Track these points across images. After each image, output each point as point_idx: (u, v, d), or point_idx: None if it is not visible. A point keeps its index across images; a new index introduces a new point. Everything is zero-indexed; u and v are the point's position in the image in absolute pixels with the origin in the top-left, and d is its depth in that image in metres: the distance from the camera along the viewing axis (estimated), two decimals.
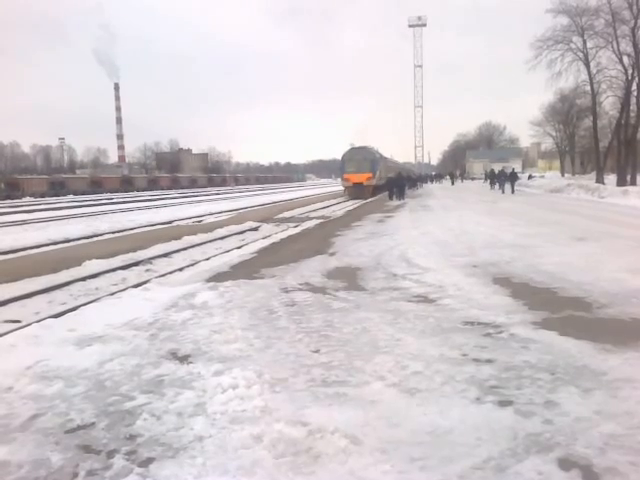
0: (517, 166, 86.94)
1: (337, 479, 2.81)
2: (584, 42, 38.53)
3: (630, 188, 28.33)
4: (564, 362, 4.28)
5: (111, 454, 3.26)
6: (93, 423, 3.72)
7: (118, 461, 3.17)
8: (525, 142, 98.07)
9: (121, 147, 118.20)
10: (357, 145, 44.43)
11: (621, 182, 37.29)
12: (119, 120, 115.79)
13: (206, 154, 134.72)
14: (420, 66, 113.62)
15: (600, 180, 39.81)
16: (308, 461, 3.01)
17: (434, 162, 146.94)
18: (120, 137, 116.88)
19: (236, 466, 3.01)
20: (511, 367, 4.26)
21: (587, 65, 39.08)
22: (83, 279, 10.92)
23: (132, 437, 3.48)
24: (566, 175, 61.61)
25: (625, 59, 37.00)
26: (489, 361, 4.42)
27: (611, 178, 41.83)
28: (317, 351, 4.94)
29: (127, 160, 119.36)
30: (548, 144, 75.18)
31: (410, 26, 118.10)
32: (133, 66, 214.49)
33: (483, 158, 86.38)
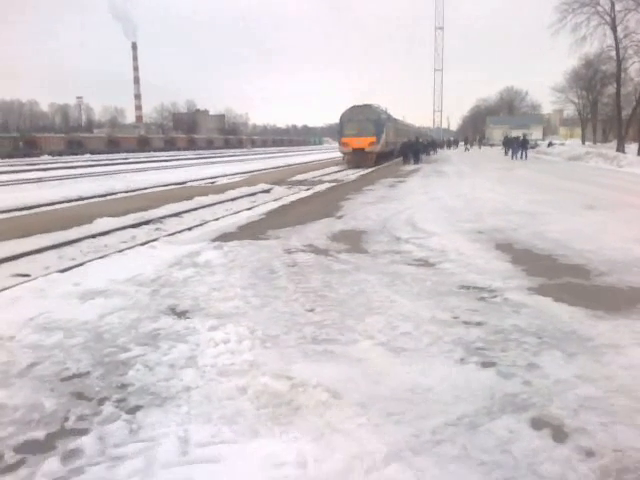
0: (538, 133, 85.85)
1: (314, 430, 2.90)
2: (612, 4, 37.27)
3: None
4: (553, 327, 4.32)
5: (102, 401, 3.39)
6: (88, 372, 3.85)
7: (107, 408, 3.30)
8: (547, 109, 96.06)
9: (138, 107, 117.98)
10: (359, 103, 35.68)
11: None
12: (137, 80, 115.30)
13: (223, 115, 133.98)
14: (441, 28, 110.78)
15: (621, 149, 39.04)
16: (288, 413, 3.11)
17: (454, 127, 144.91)
18: (138, 97, 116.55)
19: (219, 415, 3.12)
20: (500, 330, 4.30)
21: (614, 29, 37.85)
22: (93, 236, 11.08)
23: (123, 386, 3.60)
24: (587, 143, 60.38)
25: None
26: (479, 324, 4.47)
27: (633, 147, 40.97)
28: (312, 310, 5.02)
29: (144, 120, 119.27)
30: (570, 111, 73.35)
31: None
32: (150, 26, 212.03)
33: (503, 124, 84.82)
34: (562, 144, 60.51)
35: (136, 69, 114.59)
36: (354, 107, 34.50)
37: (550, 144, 59.21)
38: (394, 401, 3.19)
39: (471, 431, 2.84)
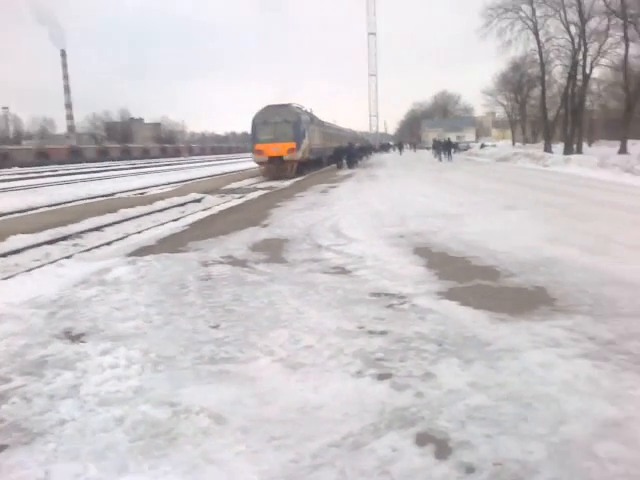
0: (471, 135, 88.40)
1: (187, 462, 2.70)
2: (533, 10, 38.81)
3: (573, 157, 28.86)
4: (454, 332, 4.27)
5: None
6: None
7: None
8: (480, 111, 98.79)
9: (70, 117, 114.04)
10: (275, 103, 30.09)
11: (568, 151, 38.05)
12: (67, 89, 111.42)
13: (159, 124, 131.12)
14: (374, 34, 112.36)
15: (548, 149, 40.57)
16: (164, 444, 2.89)
17: (391, 131, 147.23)
18: (69, 106, 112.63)
19: (88, 450, 2.87)
20: (402, 339, 4.22)
21: (536, 34, 39.46)
22: (4, 255, 10.46)
23: None
24: (517, 144, 62.50)
25: (572, 28, 37.49)
26: (382, 333, 4.38)
27: (559, 147, 42.66)
28: (216, 327, 4.82)
29: (76, 130, 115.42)
30: (501, 113, 75.97)
31: None
32: (79, 33, 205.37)
33: (438, 127, 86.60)
34: (494, 145, 62.39)
35: (66, 77, 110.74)
36: (269, 107, 29.22)
37: (482, 146, 60.95)
38: (280, 423, 3.03)
39: (353, 452, 2.71)
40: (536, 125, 64.04)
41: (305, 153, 29.29)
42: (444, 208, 11.89)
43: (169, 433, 2.99)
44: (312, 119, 33.07)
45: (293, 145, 27.87)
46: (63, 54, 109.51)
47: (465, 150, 57.39)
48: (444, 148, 39.30)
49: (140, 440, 2.94)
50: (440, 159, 38.94)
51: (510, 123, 70.06)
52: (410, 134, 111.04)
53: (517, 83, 57.57)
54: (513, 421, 2.90)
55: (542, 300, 5.02)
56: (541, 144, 48.65)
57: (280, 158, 27.67)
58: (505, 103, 65.60)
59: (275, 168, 27.85)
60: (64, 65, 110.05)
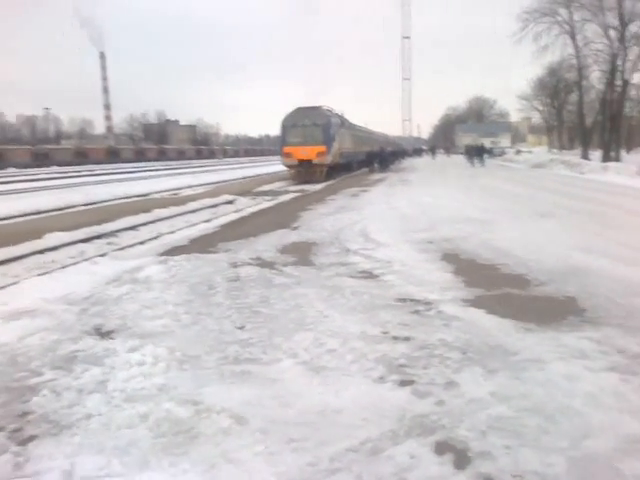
0: (506, 141, 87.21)
1: (206, 461, 2.75)
2: (570, 14, 37.94)
3: (610, 164, 28.24)
4: (479, 341, 4.23)
5: None
6: None
7: None
8: (516, 117, 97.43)
9: (108, 117, 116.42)
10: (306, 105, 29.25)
11: (606, 158, 37.18)
12: (106, 90, 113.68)
13: (194, 126, 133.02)
14: (408, 37, 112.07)
15: (585, 156, 39.73)
16: (185, 441, 2.95)
17: (425, 135, 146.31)
18: (107, 107, 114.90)
19: (113, 445, 2.95)
20: (425, 345, 4.20)
21: (573, 38, 38.57)
22: (41, 252, 10.74)
23: (24, 414, 3.41)
24: (553, 150, 61.40)
25: (611, 32, 36.53)
26: (406, 339, 4.37)
27: (597, 154, 41.75)
28: (242, 327, 4.87)
29: (114, 131, 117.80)
30: (537, 119, 74.76)
31: None
32: (118, 35, 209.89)
33: (472, 132, 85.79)
34: (529, 151, 61.38)
35: (105, 79, 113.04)
36: (299, 109, 28.68)
37: (518, 151, 60.10)
38: (299, 426, 3.05)
39: (371, 457, 2.72)
40: (573, 131, 62.84)
41: (335, 157, 28.54)
42: (475, 214, 11.77)
43: (190, 431, 3.05)
44: (343, 122, 32.42)
45: (323, 148, 27.04)
46: (102, 56, 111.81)
47: (499, 156, 56.67)
48: (477, 153, 38.91)
49: (162, 437, 3.01)
50: (472, 164, 38.55)
51: (546, 129, 68.91)
52: (444, 139, 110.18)
53: (553, 88, 56.59)
54: (535, 433, 2.87)
55: (571, 310, 4.94)
56: (578, 151, 47.68)
57: (309, 162, 26.98)
58: (541, 108, 64.61)
59: (304, 172, 27.28)
60: (103, 67, 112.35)
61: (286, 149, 27.68)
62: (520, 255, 7.35)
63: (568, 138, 66.07)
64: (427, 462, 2.66)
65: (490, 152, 43.88)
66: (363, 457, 2.72)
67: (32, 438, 3.10)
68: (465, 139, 75.10)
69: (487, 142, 60.58)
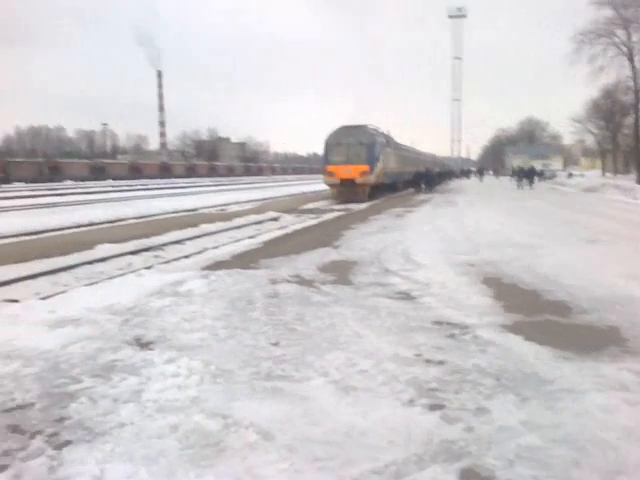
0: (558, 163, 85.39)
1: (232, 474, 2.79)
2: (629, 35, 37.15)
3: None
4: (514, 368, 4.15)
5: (33, 435, 3.32)
6: (32, 404, 3.79)
7: (36, 443, 3.22)
8: (569, 139, 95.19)
9: (163, 134, 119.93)
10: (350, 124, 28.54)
11: None
12: (161, 107, 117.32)
13: (244, 143, 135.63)
14: (459, 58, 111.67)
15: None
16: (212, 454, 2.99)
17: (474, 157, 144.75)
18: (162, 124, 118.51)
19: (142, 454, 3.02)
20: (459, 370, 4.15)
21: (631, 60, 37.73)
22: (90, 262, 11.13)
23: (61, 420, 3.53)
24: (607, 174, 59.68)
25: None
26: (440, 363, 4.32)
27: None
28: (276, 344, 4.92)
29: (168, 147, 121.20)
30: (591, 142, 72.82)
31: (450, 17, 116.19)
32: (173, 55, 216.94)
33: (523, 154, 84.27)
34: (582, 175, 59.92)
35: (161, 97, 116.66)
36: (343, 128, 28.11)
37: (570, 175, 58.70)
38: (325, 445, 3.06)
39: None
40: (629, 155, 60.94)
41: (379, 177, 27.97)
42: (520, 238, 11.56)
43: (218, 444, 3.10)
44: (388, 141, 31.76)
45: (366, 168, 26.55)
46: (159, 75, 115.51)
47: (550, 178, 55.48)
48: (525, 175, 38.22)
49: (190, 449, 3.06)
50: (520, 186, 37.87)
51: (600, 152, 67.06)
52: (494, 160, 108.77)
53: (608, 111, 55.13)
54: (564, 464, 2.79)
55: (613, 340, 4.78)
56: (633, 175, 46.19)
57: (352, 181, 26.48)
58: (595, 131, 62.86)
59: (346, 191, 26.77)
60: (159, 85, 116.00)
61: (329, 168, 27.24)
62: (564, 281, 7.17)
63: (623, 162, 64.16)
64: None
65: (540, 174, 42.99)
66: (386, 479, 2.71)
67: (67, 443, 3.21)
68: (515, 161, 73.88)
69: (538, 164, 59.35)
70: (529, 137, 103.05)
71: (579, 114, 62.41)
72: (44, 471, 2.93)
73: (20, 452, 3.12)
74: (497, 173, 79.40)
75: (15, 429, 3.42)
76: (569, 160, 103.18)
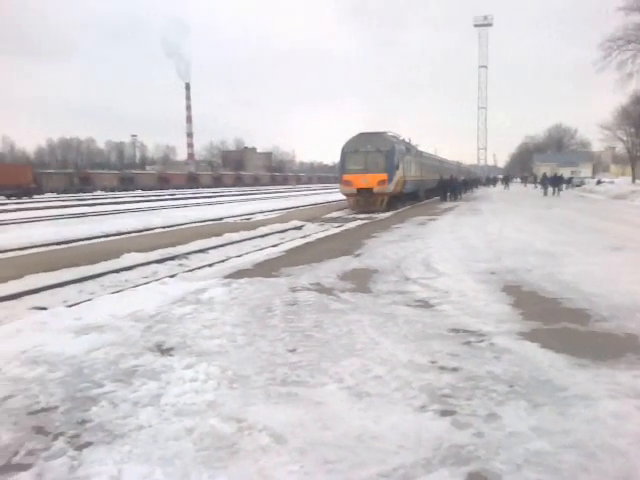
0: (587, 171, 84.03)
1: (244, 475, 2.87)
2: None
3: None
4: (528, 375, 4.15)
5: (56, 437, 3.45)
6: (56, 407, 3.93)
7: (58, 443, 3.35)
8: (598, 146, 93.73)
9: (190, 145, 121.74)
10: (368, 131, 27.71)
11: None
12: (189, 119, 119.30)
13: (270, 153, 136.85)
14: (485, 67, 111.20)
15: None
16: (225, 456, 3.08)
17: (501, 164, 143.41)
18: (190, 135, 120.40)
19: (158, 456, 3.12)
20: (472, 377, 4.17)
21: None
22: (117, 271, 11.41)
23: (83, 422, 3.65)
24: (637, 181, 58.48)
25: None
26: (454, 370, 4.35)
27: None
28: (293, 350, 4.99)
29: (195, 157, 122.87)
30: (621, 148, 71.56)
31: (475, 26, 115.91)
32: (202, 66, 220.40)
33: (551, 161, 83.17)
34: (611, 182, 58.79)
35: (189, 108, 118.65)
36: (361, 135, 27.26)
37: (599, 182, 57.71)
38: (336, 448, 3.12)
39: None
40: None
41: (398, 185, 26.96)
42: (544, 246, 11.46)
43: (231, 447, 3.18)
44: (408, 149, 30.77)
45: (384, 177, 25.62)
46: (187, 87, 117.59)
47: (578, 186, 54.69)
48: (551, 183, 37.78)
49: (205, 451, 3.16)
50: (547, 194, 37.45)
51: (630, 159, 65.78)
52: (521, 168, 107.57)
53: (638, 117, 54.16)
54: (572, 470, 2.81)
55: (631, 348, 4.74)
56: None
57: (369, 190, 25.62)
58: (625, 138, 61.80)
59: (364, 201, 26.02)
60: (187, 97, 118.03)
61: (346, 177, 26.47)
62: (585, 289, 7.11)
63: None
64: None
65: (567, 182, 42.39)
66: None
67: (87, 444, 3.33)
68: (543, 168, 72.84)
69: (567, 172, 58.66)
70: (557, 144, 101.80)
71: (608, 121, 61.48)
72: (65, 470, 3.05)
73: (43, 452, 3.25)
74: (525, 181, 78.44)
75: (39, 430, 3.55)
76: (598, 167, 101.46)
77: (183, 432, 3.39)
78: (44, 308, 8.18)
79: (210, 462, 3.02)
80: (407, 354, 4.76)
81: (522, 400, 3.70)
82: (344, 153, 27.01)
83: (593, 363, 4.39)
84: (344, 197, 28.24)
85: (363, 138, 26.88)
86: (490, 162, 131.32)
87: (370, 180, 25.46)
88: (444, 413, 3.56)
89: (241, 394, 3.99)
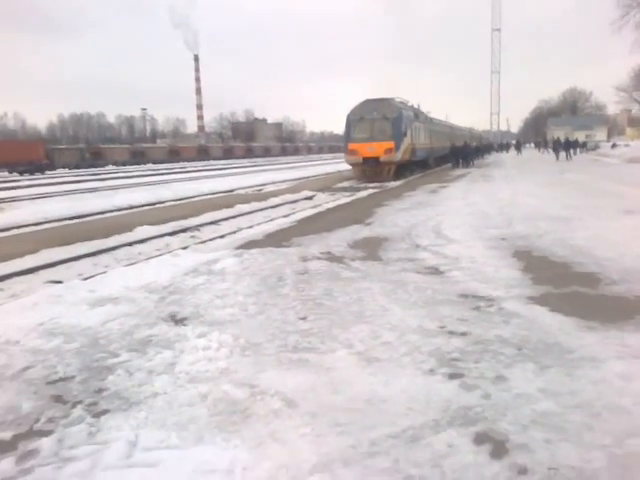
0: (602, 134, 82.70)
1: (255, 438, 2.95)
2: None
3: None
4: (537, 338, 4.19)
5: (74, 405, 3.56)
6: (73, 376, 4.04)
7: (77, 411, 3.46)
8: (614, 109, 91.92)
9: (200, 117, 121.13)
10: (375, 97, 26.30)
11: None
12: (198, 91, 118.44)
13: (280, 124, 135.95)
14: (498, 30, 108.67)
15: None
16: (238, 420, 3.17)
17: (514, 130, 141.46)
18: (199, 107, 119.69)
19: (173, 421, 3.22)
20: (481, 341, 4.21)
21: None
22: (130, 244, 11.53)
23: (100, 390, 3.76)
24: None
25: None
26: (463, 334, 4.39)
27: None
28: (304, 318, 5.06)
29: (205, 130, 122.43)
30: (637, 111, 70.17)
31: None
32: (210, 38, 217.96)
33: (565, 125, 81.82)
34: (627, 145, 57.86)
35: (198, 80, 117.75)
36: (366, 102, 25.93)
37: (614, 145, 56.81)
38: (346, 411, 3.19)
39: (410, 444, 2.81)
40: None
41: (406, 154, 25.64)
42: (556, 211, 11.38)
43: (244, 412, 3.27)
44: (417, 115, 29.37)
45: (391, 145, 24.29)
46: (196, 59, 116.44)
47: (593, 150, 53.88)
48: (564, 147, 37.28)
49: (218, 415, 3.25)
50: (558, 158, 37.01)
51: None
52: (535, 133, 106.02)
53: None
54: (578, 429, 2.86)
55: None
56: None
57: (376, 159, 24.45)
58: None
59: (370, 170, 25.00)
60: (196, 69, 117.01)
61: (351, 146, 25.26)
62: (596, 253, 7.09)
63: None
64: (464, 451, 2.73)
65: (582, 146, 41.77)
66: (402, 443, 2.83)
67: (105, 412, 3.43)
68: (558, 133, 71.70)
69: (582, 136, 57.74)
70: (572, 108, 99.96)
71: (624, 82, 60.12)
72: (84, 436, 3.15)
73: (63, 420, 3.36)
74: (538, 146, 77.37)
75: (58, 399, 3.66)
76: (614, 130, 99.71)
77: (197, 398, 3.48)
78: (60, 281, 8.30)
79: (224, 426, 3.11)
80: (416, 320, 4.81)
81: (530, 362, 3.75)
82: (349, 121, 25.88)
83: (602, 325, 4.41)
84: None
85: (369, 105, 25.78)
86: (504, 127, 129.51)
87: (377, 148, 24.39)
88: (452, 376, 3.62)
89: (253, 361, 4.07)
